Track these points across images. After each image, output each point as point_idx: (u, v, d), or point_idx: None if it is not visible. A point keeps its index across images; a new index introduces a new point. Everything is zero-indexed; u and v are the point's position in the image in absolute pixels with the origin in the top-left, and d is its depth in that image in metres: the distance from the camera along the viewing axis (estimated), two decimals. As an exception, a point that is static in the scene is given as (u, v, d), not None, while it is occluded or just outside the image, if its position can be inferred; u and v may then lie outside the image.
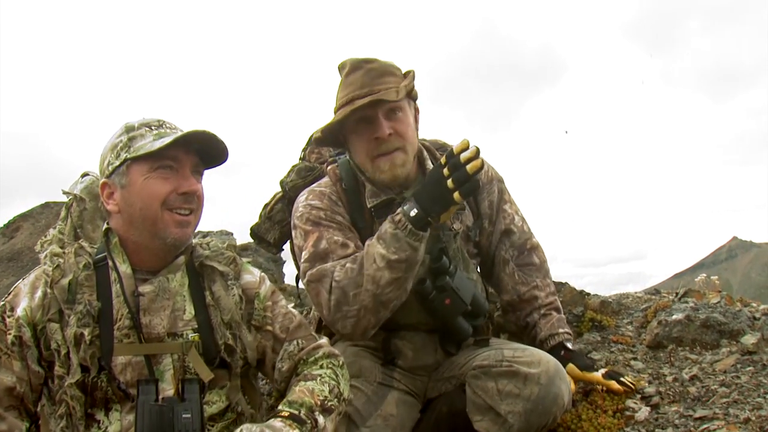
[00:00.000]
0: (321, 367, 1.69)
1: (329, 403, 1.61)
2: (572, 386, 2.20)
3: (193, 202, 1.64)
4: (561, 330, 2.30)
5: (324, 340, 1.78)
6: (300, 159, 2.67)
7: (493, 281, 2.45)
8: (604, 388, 2.24)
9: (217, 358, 1.64)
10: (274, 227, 2.61)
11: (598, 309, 3.23)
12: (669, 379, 2.38)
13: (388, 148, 2.11)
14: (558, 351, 2.25)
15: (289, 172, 2.57)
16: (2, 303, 1.56)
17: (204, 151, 1.68)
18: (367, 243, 2.00)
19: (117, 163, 1.61)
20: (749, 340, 2.56)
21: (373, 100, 2.05)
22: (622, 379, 2.25)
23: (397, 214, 1.96)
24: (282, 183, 2.58)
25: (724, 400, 2.12)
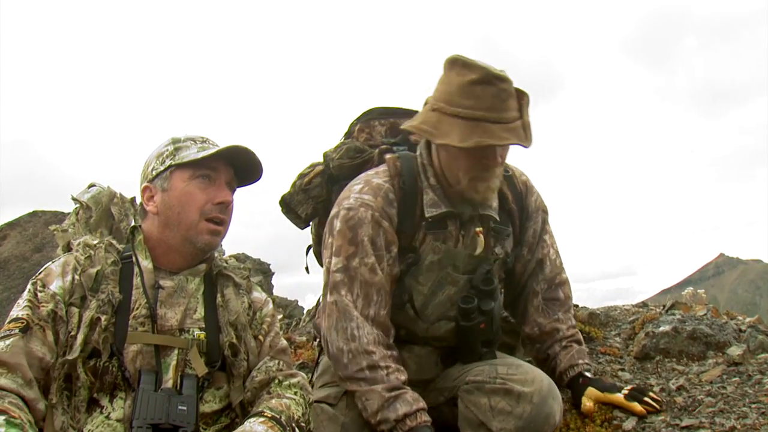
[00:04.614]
0: (294, 393, 1.75)
1: (302, 423, 1.68)
2: (591, 405, 2.19)
3: (225, 213, 1.75)
4: (581, 361, 2.28)
5: (302, 373, 1.84)
6: (345, 134, 2.52)
7: (518, 310, 2.41)
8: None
9: (220, 360, 1.70)
10: (308, 201, 2.40)
11: (586, 321, 3.26)
12: (656, 389, 2.40)
13: (492, 175, 2.04)
14: (576, 380, 2.26)
15: (337, 147, 2.40)
16: (34, 281, 1.63)
17: (241, 168, 1.80)
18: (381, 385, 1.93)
19: (161, 168, 1.74)
20: (735, 351, 2.59)
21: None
22: (645, 398, 2.21)
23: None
24: (326, 156, 2.41)
25: (710, 409, 2.14)
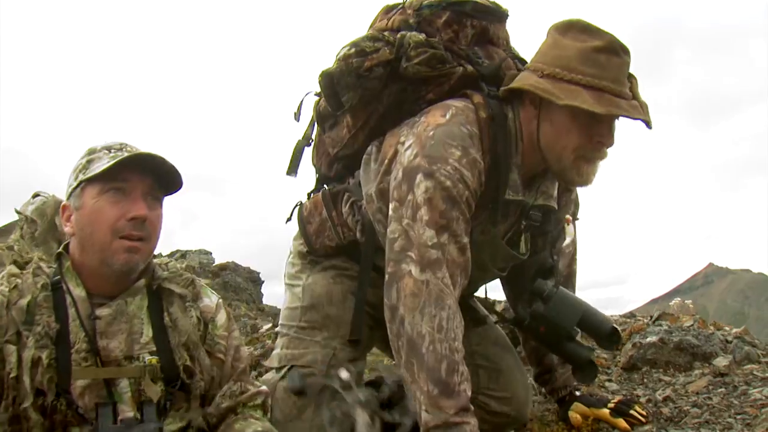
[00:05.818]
0: (264, 414, 1.71)
1: None
2: (579, 418, 2.20)
3: (143, 229, 1.56)
4: (575, 383, 2.29)
5: (264, 388, 1.76)
6: (417, 11, 1.97)
7: (525, 301, 2.17)
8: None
9: (178, 382, 1.59)
10: (357, 89, 1.91)
11: (574, 331, 3.26)
12: (642, 400, 2.41)
13: (600, 156, 1.84)
14: (564, 397, 2.28)
15: (418, 44, 1.87)
16: None
17: (161, 175, 1.61)
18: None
19: (74, 184, 1.57)
20: (721, 362, 2.60)
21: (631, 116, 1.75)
22: (632, 411, 2.20)
23: None
24: (399, 46, 1.88)
25: (696, 420, 2.15)
